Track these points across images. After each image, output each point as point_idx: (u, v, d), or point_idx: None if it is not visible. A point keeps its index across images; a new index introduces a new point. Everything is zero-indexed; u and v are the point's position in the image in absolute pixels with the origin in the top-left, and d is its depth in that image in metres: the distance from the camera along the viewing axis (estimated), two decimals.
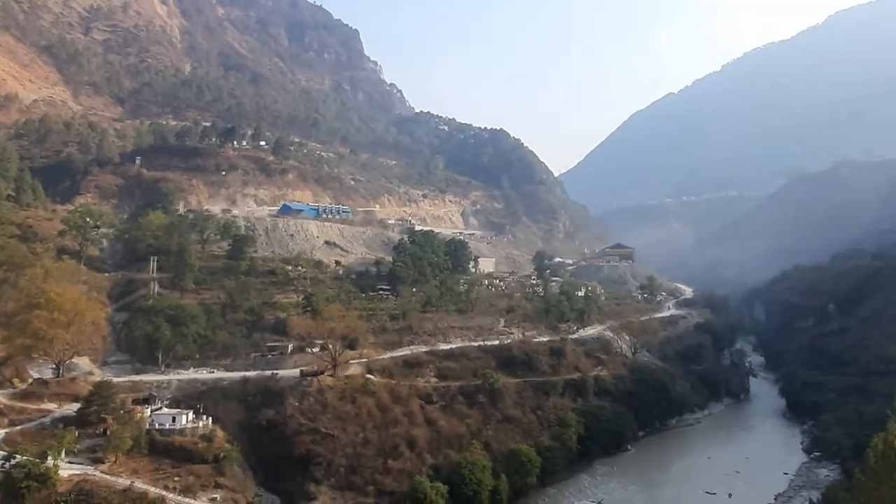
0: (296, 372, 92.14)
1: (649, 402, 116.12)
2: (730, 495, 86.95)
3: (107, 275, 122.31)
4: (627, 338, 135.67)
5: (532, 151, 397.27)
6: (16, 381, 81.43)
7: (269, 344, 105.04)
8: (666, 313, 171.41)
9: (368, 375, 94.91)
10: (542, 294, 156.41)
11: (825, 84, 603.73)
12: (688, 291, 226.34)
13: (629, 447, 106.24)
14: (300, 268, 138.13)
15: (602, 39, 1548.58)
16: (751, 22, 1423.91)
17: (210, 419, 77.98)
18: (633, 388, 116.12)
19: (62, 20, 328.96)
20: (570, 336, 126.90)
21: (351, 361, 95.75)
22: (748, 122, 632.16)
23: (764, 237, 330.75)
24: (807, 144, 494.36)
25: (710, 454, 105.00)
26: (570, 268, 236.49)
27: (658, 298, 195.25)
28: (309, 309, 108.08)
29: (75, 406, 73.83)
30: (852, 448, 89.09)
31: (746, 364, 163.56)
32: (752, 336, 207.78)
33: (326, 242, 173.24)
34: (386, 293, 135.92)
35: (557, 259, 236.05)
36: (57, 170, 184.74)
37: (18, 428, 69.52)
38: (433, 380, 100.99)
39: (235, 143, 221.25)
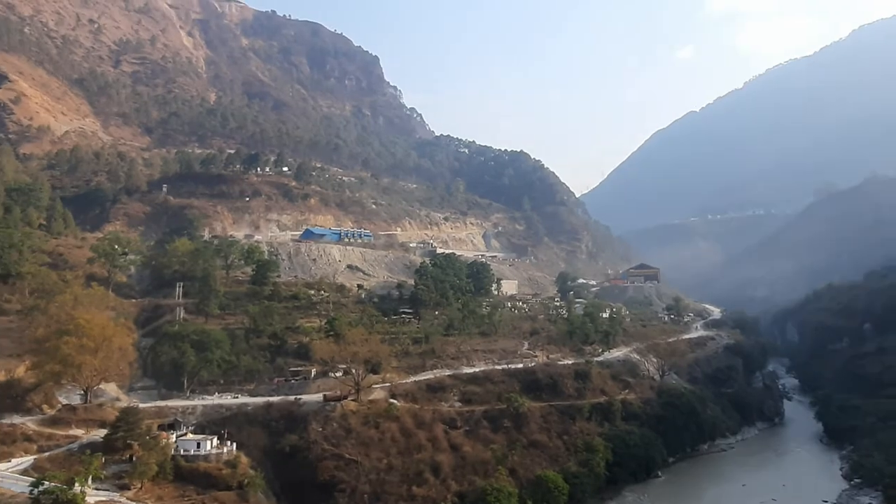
0: (319, 397, 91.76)
1: (679, 426, 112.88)
2: None
3: (134, 301, 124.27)
4: (654, 360, 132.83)
5: (553, 172, 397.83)
6: (45, 407, 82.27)
7: (293, 369, 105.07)
8: (694, 335, 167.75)
9: (392, 400, 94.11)
10: (565, 316, 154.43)
11: (852, 99, 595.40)
12: (716, 312, 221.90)
13: (659, 474, 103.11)
14: (323, 292, 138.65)
15: (622, 58, 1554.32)
16: (772, 38, 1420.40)
17: (234, 445, 77.88)
18: (662, 412, 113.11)
19: (93, 54, 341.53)
20: (596, 359, 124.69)
21: (374, 386, 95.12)
22: (773, 139, 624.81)
23: (794, 256, 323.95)
24: (835, 161, 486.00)
25: (744, 481, 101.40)
26: (594, 289, 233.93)
27: (685, 319, 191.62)
28: (332, 333, 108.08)
29: (102, 432, 74.21)
30: (895, 475, 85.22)
31: (780, 387, 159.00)
32: (784, 358, 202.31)
33: (349, 266, 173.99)
34: (408, 316, 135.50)
35: (581, 280, 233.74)
36: (87, 198, 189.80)
37: (47, 454, 70.05)
38: (457, 404, 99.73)
39: (259, 169, 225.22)
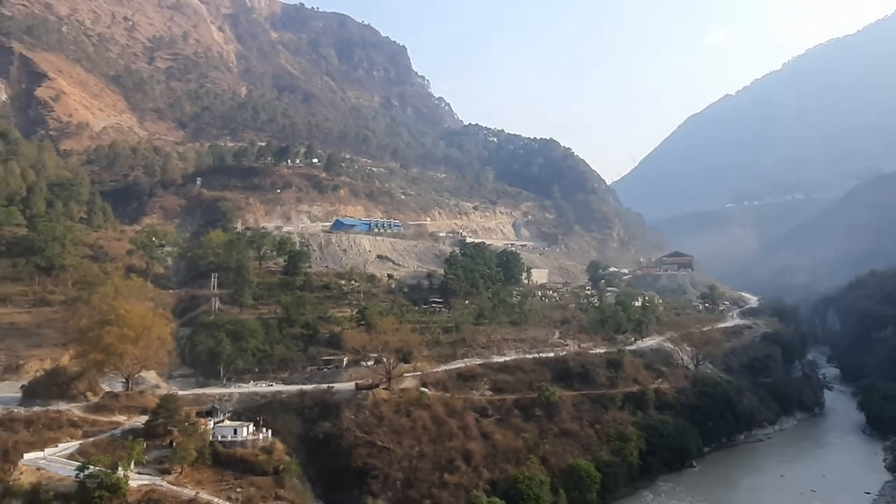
0: (351, 385, 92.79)
1: (714, 416, 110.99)
2: None
3: (171, 291, 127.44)
4: (689, 349, 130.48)
5: (583, 160, 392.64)
6: (89, 394, 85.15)
7: (325, 357, 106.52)
8: (730, 323, 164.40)
9: (423, 388, 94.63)
10: (597, 305, 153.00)
11: None
12: (753, 300, 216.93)
13: (694, 463, 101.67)
14: (353, 282, 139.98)
15: (654, 41, 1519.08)
16: (812, 17, 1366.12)
17: (269, 431, 79.32)
18: (697, 401, 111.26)
19: (128, 51, 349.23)
20: (628, 347, 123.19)
21: (405, 374, 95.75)
22: (813, 122, 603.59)
23: (835, 242, 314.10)
24: (879, 144, 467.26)
25: (782, 472, 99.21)
26: (626, 277, 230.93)
27: (720, 308, 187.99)
28: (363, 322, 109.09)
29: (143, 418, 76.44)
30: None
31: (820, 376, 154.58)
32: (825, 347, 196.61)
33: (379, 256, 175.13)
34: (438, 306, 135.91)
35: (612, 269, 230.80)
36: (125, 192, 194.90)
37: (92, 439, 72.48)
38: (488, 393, 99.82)
39: (289, 161, 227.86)
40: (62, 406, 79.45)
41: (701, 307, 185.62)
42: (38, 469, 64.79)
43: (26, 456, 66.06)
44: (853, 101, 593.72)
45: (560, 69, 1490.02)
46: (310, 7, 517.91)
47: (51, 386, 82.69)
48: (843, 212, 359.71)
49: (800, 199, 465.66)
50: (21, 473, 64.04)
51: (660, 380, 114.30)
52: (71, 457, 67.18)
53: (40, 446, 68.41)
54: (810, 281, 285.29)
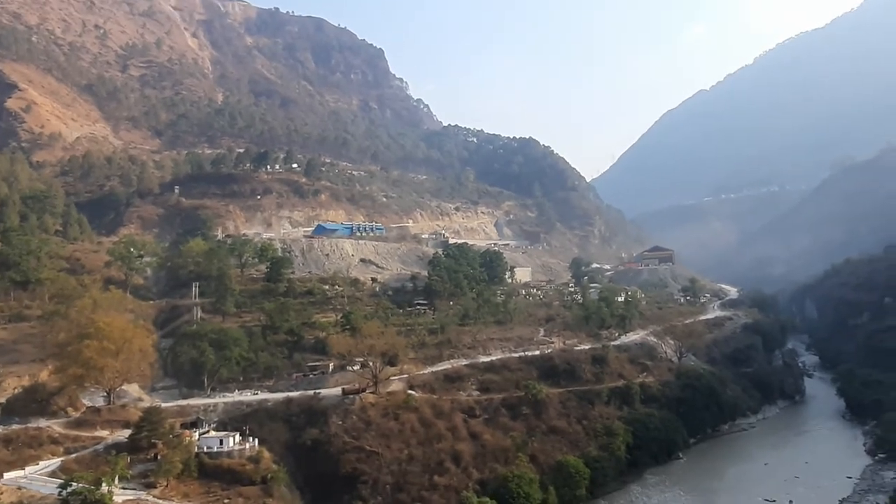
0: (338, 391, 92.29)
1: (699, 407, 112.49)
2: (790, 502, 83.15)
3: (152, 302, 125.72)
4: (672, 342, 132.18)
5: (563, 158, 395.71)
6: (70, 409, 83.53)
7: (310, 364, 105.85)
8: (711, 315, 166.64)
9: (410, 391, 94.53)
10: (580, 301, 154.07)
11: (866, 71, 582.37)
12: (733, 292, 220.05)
13: (680, 455, 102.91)
14: (337, 287, 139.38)
15: (627, 40, 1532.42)
16: (781, 12, 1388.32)
17: (256, 440, 78.58)
18: (681, 393, 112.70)
19: (100, 59, 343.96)
20: (612, 343, 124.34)
21: (392, 378, 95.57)
22: (786, 115, 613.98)
23: (811, 232, 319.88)
24: (850, 134, 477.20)
25: (766, 460, 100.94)
26: (609, 273, 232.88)
27: (702, 300, 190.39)
28: (348, 327, 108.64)
29: (126, 432, 75.17)
30: None
31: (800, 364, 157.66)
32: (804, 335, 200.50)
33: (362, 260, 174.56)
34: (423, 308, 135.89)
35: (595, 265, 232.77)
36: (101, 203, 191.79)
37: (74, 456, 71.13)
38: (475, 393, 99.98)
39: (269, 167, 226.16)
40: (42, 423, 77.84)
41: (682, 300, 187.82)
42: (20, 488, 63.37)
43: (6, 475, 64.67)
44: (824, 92, 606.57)
45: (537, 68, 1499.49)
46: (285, 11, 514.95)
47: (30, 403, 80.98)
48: (817, 202, 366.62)
49: (775, 192, 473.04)
50: (1, 493, 62.59)
51: (644, 374, 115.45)
52: (53, 474, 65.85)
53: (21, 465, 67.02)
54: (788, 271, 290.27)
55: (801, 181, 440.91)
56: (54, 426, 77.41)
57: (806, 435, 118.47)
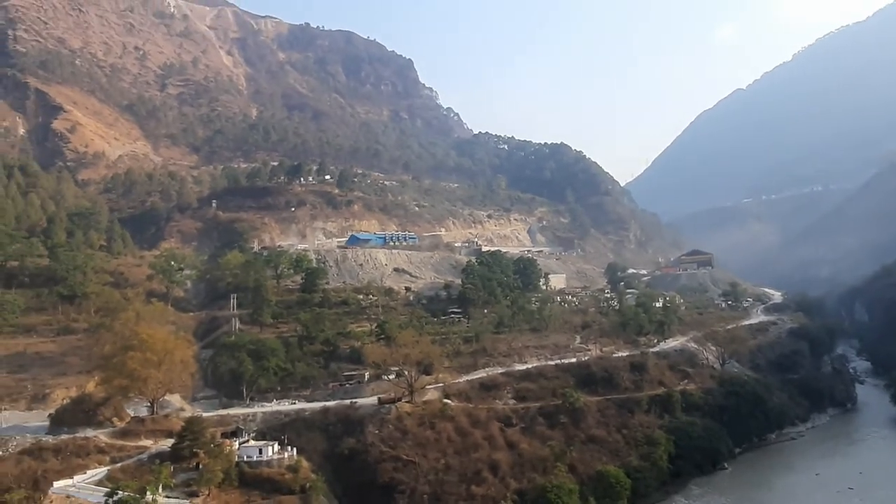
0: (373, 400, 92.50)
1: (744, 416, 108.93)
2: None
3: (191, 314, 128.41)
4: (714, 348, 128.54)
5: (595, 162, 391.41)
6: (115, 419, 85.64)
7: (346, 373, 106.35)
8: (754, 320, 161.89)
9: (446, 400, 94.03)
10: (617, 307, 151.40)
11: None
12: (776, 296, 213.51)
13: (726, 465, 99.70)
14: (371, 296, 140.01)
15: (663, 40, 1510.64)
16: (820, 5, 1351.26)
17: (294, 450, 79.18)
18: (725, 401, 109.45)
19: (140, 79, 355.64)
20: (651, 349, 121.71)
21: (427, 387, 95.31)
22: (827, 111, 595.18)
23: (858, 232, 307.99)
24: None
25: (817, 470, 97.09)
26: (645, 278, 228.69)
27: (744, 305, 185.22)
28: (382, 336, 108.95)
29: (169, 442, 76.61)
30: None
31: (850, 370, 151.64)
32: (854, 339, 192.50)
33: (395, 269, 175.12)
34: (457, 316, 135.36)
35: (631, 270, 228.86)
36: (142, 218, 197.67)
37: (119, 465, 72.83)
38: (511, 401, 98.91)
39: (302, 179, 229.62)
40: (89, 433, 79.93)
41: (723, 305, 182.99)
42: (68, 496, 65.11)
43: (56, 484, 66.47)
44: (866, 88, 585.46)
45: (567, 73, 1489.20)
46: (315, 26, 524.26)
47: (77, 413, 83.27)
48: (863, 200, 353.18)
49: (818, 191, 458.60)
50: (51, 501, 64.44)
51: (685, 381, 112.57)
52: (100, 483, 67.46)
53: (69, 474, 68.80)
54: (834, 273, 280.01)
55: (845, 179, 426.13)
56: (101, 436, 79.43)
57: (859, 444, 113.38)
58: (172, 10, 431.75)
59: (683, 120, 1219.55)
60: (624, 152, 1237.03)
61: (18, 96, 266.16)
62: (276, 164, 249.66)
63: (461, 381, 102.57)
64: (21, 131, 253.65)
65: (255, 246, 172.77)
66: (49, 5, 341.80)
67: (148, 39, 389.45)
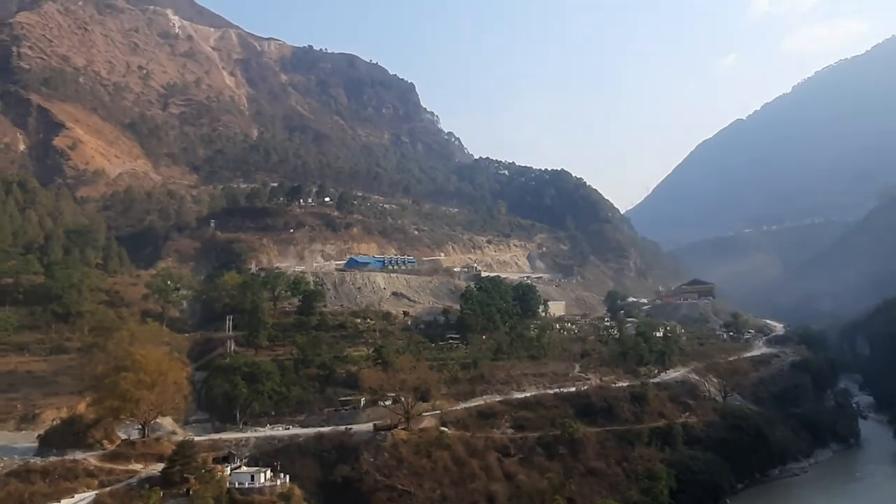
0: (369, 426, 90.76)
1: (746, 450, 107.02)
2: None
3: (187, 335, 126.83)
4: (715, 380, 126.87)
5: (595, 190, 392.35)
6: (105, 442, 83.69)
7: (342, 398, 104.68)
8: (756, 352, 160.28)
9: (442, 428, 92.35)
10: (617, 336, 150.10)
11: None
12: (778, 328, 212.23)
13: (727, 501, 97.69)
14: (369, 320, 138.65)
15: (660, 71, 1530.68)
16: (820, 39, 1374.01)
17: (287, 477, 77.25)
18: (727, 435, 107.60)
19: (143, 98, 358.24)
20: (652, 380, 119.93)
21: (424, 414, 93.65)
22: (828, 143, 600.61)
23: (859, 265, 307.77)
24: None
25: None
26: (645, 307, 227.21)
27: (745, 336, 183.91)
28: (379, 361, 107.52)
29: (160, 466, 74.63)
30: None
31: (853, 405, 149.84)
32: (856, 374, 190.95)
33: (394, 294, 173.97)
34: (455, 342, 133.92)
35: (631, 299, 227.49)
36: (140, 237, 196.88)
37: (108, 489, 70.85)
38: (509, 431, 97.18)
39: (301, 201, 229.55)
40: (78, 455, 77.95)
41: (725, 336, 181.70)
42: None
43: None
44: (868, 119, 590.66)
45: (569, 100, 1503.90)
46: (318, 49, 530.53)
47: (67, 435, 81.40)
48: (864, 234, 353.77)
49: (820, 223, 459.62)
50: None
51: (687, 413, 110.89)
52: None
53: (57, 497, 67.06)
54: (836, 306, 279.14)
55: (846, 212, 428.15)
56: (90, 458, 77.42)
57: (863, 481, 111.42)
58: (177, 30, 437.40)
59: (684, 148, 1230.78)
60: (624, 180, 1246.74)
61: (20, 112, 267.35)
62: (275, 185, 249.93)
63: (458, 408, 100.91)
64: (21, 147, 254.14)
65: (253, 267, 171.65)
66: (54, 23, 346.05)
67: (152, 59, 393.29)
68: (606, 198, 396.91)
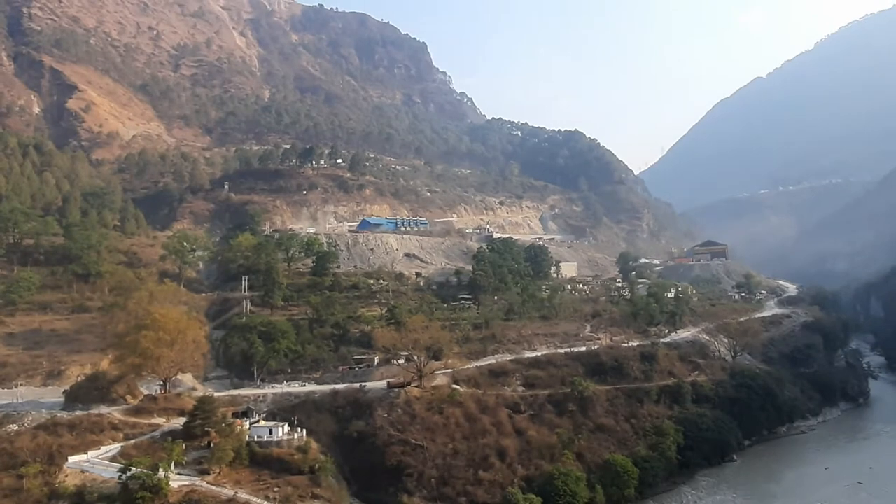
0: (383, 384, 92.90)
1: (754, 408, 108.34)
2: None
3: (203, 295, 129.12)
4: (725, 340, 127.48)
5: (609, 150, 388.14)
6: (128, 397, 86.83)
7: (356, 357, 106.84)
8: (768, 313, 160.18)
9: (454, 386, 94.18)
10: (628, 297, 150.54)
11: None
12: (791, 289, 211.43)
13: (735, 457, 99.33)
14: (382, 281, 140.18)
15: (678, 28, 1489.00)
16: None
17: (304, 431, 79.89)
18: (736, 393, 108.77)
19: (154, 60, 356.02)
20: (662, 340, 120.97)
21: (436, 372, 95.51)
22: (849, 102, 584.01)
23: (876, 226, 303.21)
24: None
25: (827, 464, 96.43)
26: (658, 268, 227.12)
27: (757, 297, 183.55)
28: (392, 321, 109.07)
29: (181, 420, 77.51)
30: None
31: (864, 365, 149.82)
32: (868, 335, 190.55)
33: (406, 255, 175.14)
34: (467, 302, 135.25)
35: (643, 260, 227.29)
36: (155, 199, 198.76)
37: (132, 441, 73.97)
38: (520, 388, 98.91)
39: (314, 162, 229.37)
40: (103, 409, 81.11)
41: (737, 297, 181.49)
42: (83, 471, 66.37)
43: (70, 459, 67.76)
44: (890, 77, 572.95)
45: (583, 59, 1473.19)
46: (329, 7, 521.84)
47: (92, 390, 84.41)
48: (883, 194, 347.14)
49: (837, 183, 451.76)
50: (66, 476, 65.66)
51: (696, 372, 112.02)
52: (113, 459, 68.62)
53: (84, 449, 70.10)
54: (851, 267, 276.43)
55: (865, 172, 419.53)
56: (115, 413, 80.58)
57: (870, 439, 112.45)
58: None
59: (701, 108, 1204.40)
60: (639, 141, 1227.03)
61: (34, 75, 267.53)
62: (287, 146, 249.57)
63: (470, 367, 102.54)
64: (36, 110, 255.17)
65: (267, 229, 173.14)
66: None
67: (162, 19, 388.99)
68: (620, 158, 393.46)
